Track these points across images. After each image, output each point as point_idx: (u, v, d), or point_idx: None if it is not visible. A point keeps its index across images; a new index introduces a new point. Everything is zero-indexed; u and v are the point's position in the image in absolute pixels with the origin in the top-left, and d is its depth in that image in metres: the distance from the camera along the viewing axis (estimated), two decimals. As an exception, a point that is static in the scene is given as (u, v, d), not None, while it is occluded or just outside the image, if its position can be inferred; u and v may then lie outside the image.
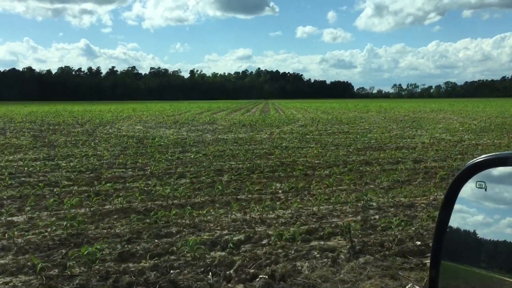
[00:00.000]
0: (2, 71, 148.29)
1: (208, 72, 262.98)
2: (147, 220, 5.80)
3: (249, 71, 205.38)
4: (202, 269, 4.37)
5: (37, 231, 5.35)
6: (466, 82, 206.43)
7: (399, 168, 9.49)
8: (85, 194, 7.27)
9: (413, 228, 5.58)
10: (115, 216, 6.11)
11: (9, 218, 5.94)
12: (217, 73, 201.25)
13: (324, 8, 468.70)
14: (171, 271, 4.33)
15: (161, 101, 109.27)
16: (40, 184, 7.62)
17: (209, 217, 6.03)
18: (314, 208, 6.46)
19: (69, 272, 4.20)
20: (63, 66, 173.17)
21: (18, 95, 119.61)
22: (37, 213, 6.24)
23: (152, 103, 79.52)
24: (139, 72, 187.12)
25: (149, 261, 4.52)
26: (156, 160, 10.61)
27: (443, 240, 1.17)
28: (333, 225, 5.67)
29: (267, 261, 4.56)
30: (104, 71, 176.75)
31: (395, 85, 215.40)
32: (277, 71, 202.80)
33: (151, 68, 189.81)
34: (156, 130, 19.87)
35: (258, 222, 5.88)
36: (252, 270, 4.35)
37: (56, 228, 5.45)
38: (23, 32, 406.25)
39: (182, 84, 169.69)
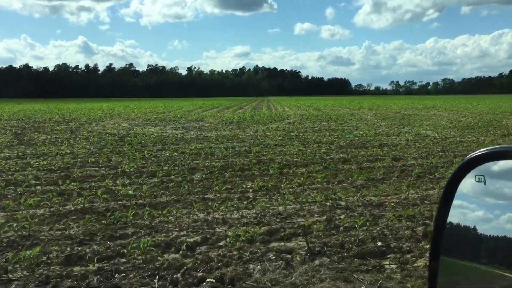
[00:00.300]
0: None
1: (206, 69, 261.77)
2: (104, 221, 5.62)
3: (247, 68, 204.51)
4: (149, 273, 4.20)
5: (-14, 233, 5.16)
6: (464, 78, 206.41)
7: (376, 166, 9.33)
8: (49, 193, 7.07)
9: (378, 228, 5.44)
10: (74, 217, 5.91)
11: (-38, 220, 5.74)
12: (215, 70, 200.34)
13: (322, 4, 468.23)
14: (116, 275, 4.16)
15: (159, 98, 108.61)
16: (0, 184, 7.40)
17: (170, 218, 5.86)
18: (280, 208, 6.30)
19: (7, 277, 4.03)
20: (61, 64, 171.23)
21: (15, 93, 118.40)
22: (-7, 214, 6.04)
23: (147, 101, 78.98)
24: (137, 69, 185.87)
25: (96, 264, 4.35)
26: (130, 159, 10.40)
27: (443, 234, 1.16)
28: (295, 226, 5.50)
29: (219, 264, 4.39)
30: (101, 68, 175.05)
31: (392, 82, 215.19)
32: (275, 68, 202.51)
33: (149, 65, 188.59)
34: (141, 128, 19.64)
35: (219, 223, 5.71)
36: (200, 274, 4.18)
37: (8, 230, 5.26)
38: (20, 29, 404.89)
39: (180, 81, 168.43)
